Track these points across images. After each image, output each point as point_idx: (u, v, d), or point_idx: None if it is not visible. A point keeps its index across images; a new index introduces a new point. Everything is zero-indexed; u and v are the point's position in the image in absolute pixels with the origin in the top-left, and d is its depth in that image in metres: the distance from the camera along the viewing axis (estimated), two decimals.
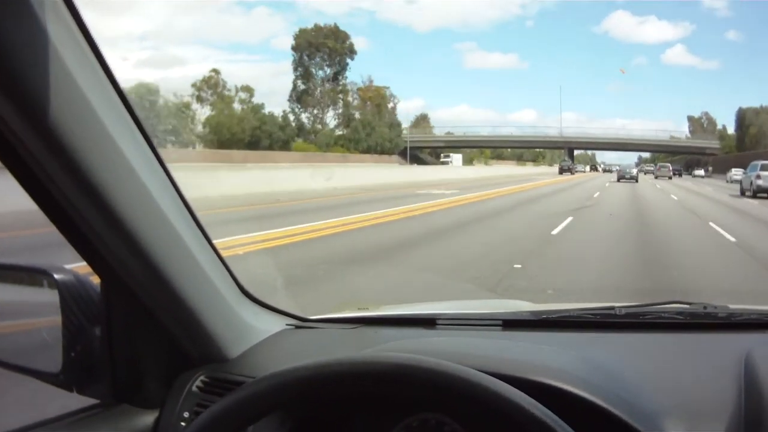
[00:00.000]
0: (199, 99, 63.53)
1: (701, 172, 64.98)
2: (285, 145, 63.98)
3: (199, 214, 1.10)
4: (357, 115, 77.99)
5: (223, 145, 56.79)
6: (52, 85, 0.80)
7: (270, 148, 60.70)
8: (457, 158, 78.54)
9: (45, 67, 0.78)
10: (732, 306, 1.38)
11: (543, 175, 59.21)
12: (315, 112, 76.59)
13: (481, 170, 63.03)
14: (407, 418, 1.08)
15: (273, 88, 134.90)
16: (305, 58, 76.21)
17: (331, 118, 78.13)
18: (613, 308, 1.34)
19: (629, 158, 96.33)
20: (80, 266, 1.09)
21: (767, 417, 0.90)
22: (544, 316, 1.36)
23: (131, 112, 0.94)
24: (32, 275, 1.17)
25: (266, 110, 65.98)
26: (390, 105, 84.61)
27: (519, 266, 7.23)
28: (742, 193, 24.97)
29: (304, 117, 75.97)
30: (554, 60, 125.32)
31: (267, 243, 8.44)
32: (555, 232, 10.92)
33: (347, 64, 78.28)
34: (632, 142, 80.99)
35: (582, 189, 29.25)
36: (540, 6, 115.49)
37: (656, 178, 49.22)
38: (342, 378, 0.84)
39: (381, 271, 7.13)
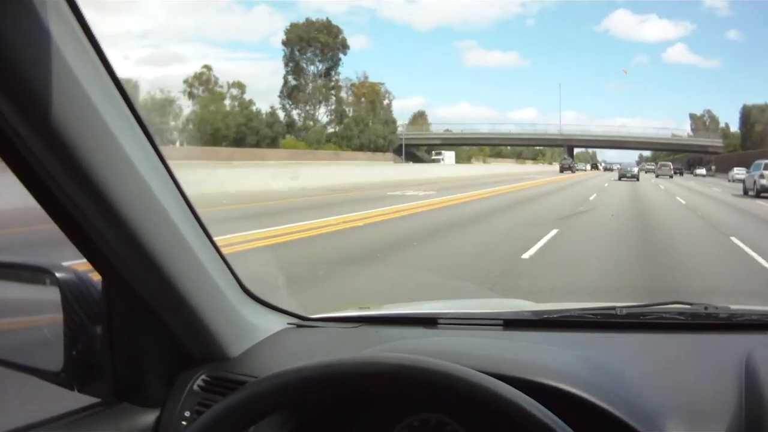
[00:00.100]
0: (191, 95, 62.75)
1: (702, 171, 64.48)
2: (273, 143, 62.55)
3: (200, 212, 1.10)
4: (349, 112, 76.24)
5: (209, 142, 55.36)
6: (54, 83, 0.79)
7: (257, 145, 59.28)
8: (449, 156, 76.06)
9: (46, 64, 0.78)
10: (733, 307, 1.38)
11: (540, 173, 56.91)
12: (307, 108, 74.73)
13: (475, 168, 61.06)
14: (408, 417, 1.09)
15: (272, 85, 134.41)
16: (296, 53, 74.42)
17: (323, 115, 76.41)
18: (614, 308, 1.33)
19: (630, 157, 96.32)
20: (80, 263, 1.08)
21: None
22: (545, 316, 1.36)
23: (132, 110, 0.94)
24: (34, 273, 1.16)
25: (258, 107, 65.30)
26: (385, 101, 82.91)
27: None
28: (745, 193, 24.48)
29: (295, 113, 74.20)
30: (555, 59, 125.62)
31: None
32: (527, 255, 7.97)
33: (340, 59, 76.67)
34: (633, 140, 79.86)
35: (578, 189, 27.30)
36: (540, 4, 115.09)
37: (657, 176, 49.07)
38: (343, 378, 0.85)
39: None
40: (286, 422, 1.05)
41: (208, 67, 64.36)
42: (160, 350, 1.19)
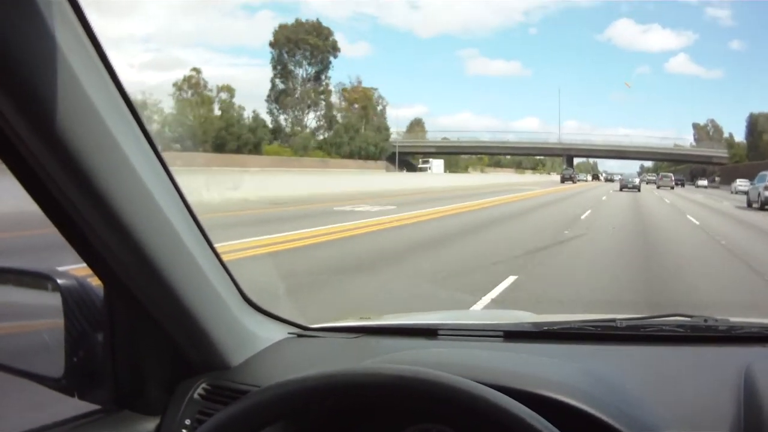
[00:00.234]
0: (180, 99, 60.73)
1: (704, 182, 63.76)
2: (256, 149, 59.60)
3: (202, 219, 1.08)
4: (339, 118, 73.61)
5: (189, 148, 52.91)
6: (57, 86, 0.79)
7: (239, 151, 56.36)
8: (438, 164, 71.81)
9: (50, 67, 0.78)
10: (733, 319, 1.38)
11: (536, 184, 53.44)
12: (295, 113, 72.02)
13: (465, 178, 57.37)
14: (409, 428, 1.08)
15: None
16: (284, 55, 71.79)
17: (312, 120, 73.67)
18: (614, 320, 1.34)
19: (631, 167, 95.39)
20: (82, 269, 1.08)
21: (767, 430, 0.90)
22: (546, 328, 1.36)
23: (135, 116, 0.94)
24: (35, 279, 1.17)
25: (240, 112, 62.89)
26: (379, 108, 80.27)
27: None
28: (749, 205, 23.87)
29: (282, 119, 71.48)
30: (557, 68, 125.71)
31: None
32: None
33: (330, 62, 73.78)
34: (634, 150, 77.68)
35: (571, 203, 23.89)
36: (543, 13, 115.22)
37: (658, 188, 48.84)
38: (345, 389, 0.86)
39: None
40: None
41: (197, 71, 62.07)
42: (161, 358, 1.18)
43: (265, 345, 1.30)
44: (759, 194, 22.78)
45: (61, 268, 1.13)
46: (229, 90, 62.98)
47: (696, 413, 0.99)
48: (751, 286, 7.00)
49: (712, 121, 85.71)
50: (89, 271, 1.06)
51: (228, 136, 56.91)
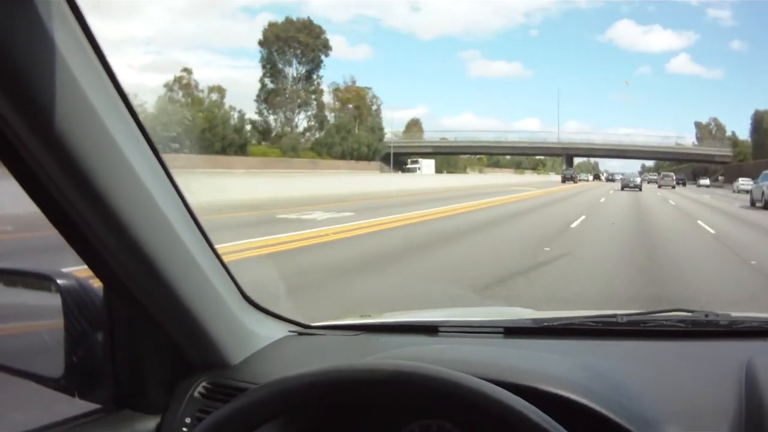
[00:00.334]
0: (171, 100, 59.29)
1: (706, 181, 63.25)
2: (242, 150, 57.50)
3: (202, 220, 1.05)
4: (331, 118, 71.69)
5: (168, 150, 51.14)
6: (56, 87, 0.80)
7: (224, 152, 54.50)
8: (428, 164, 68.81)
9: (48, 69, 0.78)
10: (734, 314, 1.37)
11: (532, 185, 50.69)
12: (286, 113, 70.04)
13: (456, 179, 52.70)
14: (409, 424, 1.08)
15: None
16: (274, 54, 69.69)
17: (303, 121, 71.69)
18: (614, 316, 1.33)
19: (632, 167, 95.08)
20: (81, 269, 1.08)
21: None
22: (546, 324, 1.36)
23: (134, 116, 0.94)
24: (35, 280, 1.17)
25: (224, 112, 60.95)
26: (374, 108, 78.34)
27: None
28: (752, 204, 23.28)
29: (271, 119, 69.46)
30: (558, 69, 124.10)
31: None
32: None
33: (321, 61, 71.69)
34: (635, 149, 75.70)
35: (563, 208, 20.67)
36: (544, 15, 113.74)
37: (659, 187, 48.52)
38: (344, 385, 0.85)
39: None
40: (286, 429, 1.04)
41: (188, 71, 60.46)
42: (161, 357, 1.18)
43: (265, 343, 1.30)
44: (762, 193, 22.35)
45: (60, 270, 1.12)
46: (220, 90, 61.60)
47: (697, 408, 0.99)
48: None
49: (715, 119, 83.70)
50: (89, 272, 1.06)
51: (212, 137, 54.96)
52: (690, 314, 1.35)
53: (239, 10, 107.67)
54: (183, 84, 60.70)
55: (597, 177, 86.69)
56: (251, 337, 1.27)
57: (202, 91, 61.17)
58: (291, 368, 0.90)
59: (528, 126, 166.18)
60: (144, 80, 69.51)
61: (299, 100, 70.27)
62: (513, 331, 1.35)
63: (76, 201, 0.90)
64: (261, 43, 69.35)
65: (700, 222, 14.83)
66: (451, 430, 1.06)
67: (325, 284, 6.45)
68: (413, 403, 0.97)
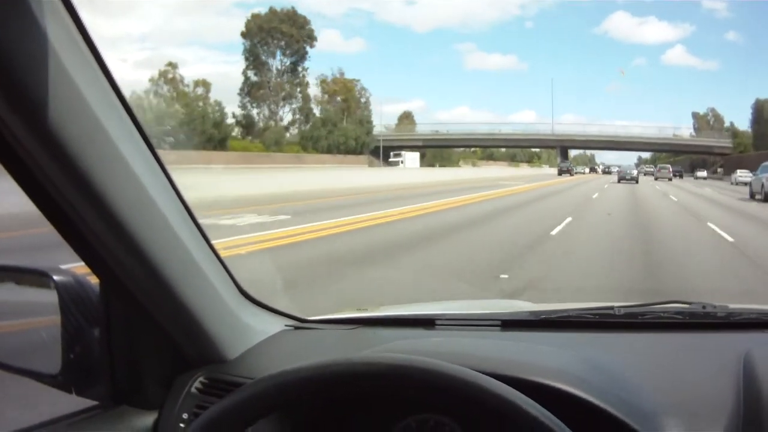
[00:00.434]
0: (156, 94, 57.40)
1: (703, 173, 62.01)
2: (222, 144, 55.27)
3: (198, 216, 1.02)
4: (317, 111, 69.53)
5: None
6: (51, 86, 0.80)
7: (203, 147, 52.45)
8: (412, 157, 66.77)
9: (43, 67, 0.78)
10: (731, 305, 1.37)
11: (521, 179, 47.78)
12: (270, 107, 67.81)
13: (442, 173, 50.18)
14: (406, 418, 1.08)
15: None
16: (257, 45, 67.42)
17: (288, 114, 69.45)
18: (612, 308, 1.33)
19: (629, 159, 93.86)
20: (78, 266, 1.08)
21: (766, 416, 0.90)
22: (543, 317, 1.36)
23: (130, 113, 0.94)
24: (32, 276, 1.17)
25: (203, 105, 59.16)
26: (363, 100, 76.18)
27: None
28: (752, 197, 22.60)
29: (255, 112, 67.17)
30: (553, 61, 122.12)
31: None
32: None
33: (306, 52, 69.38)
34: (631, 140, 73.68)
35: (548, 206, 17.72)
36: (539, 7, 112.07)
37: (656, 179, 48.01)
38: (340, 379, 0.85)
39: None
40: (283, 423, 1.04)
41: (173, 65, 58.70)
42: (158, 353, 1.18)
43: (262, 338, 1.29)
44: (762, 185, 21.72)
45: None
46: (205, 84, 59.97)
47: (695, 400, 0.99)
48: None
49: (713, 109, 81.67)
50: (85, 269, 1.05)
51: (191, 132, 52.79)
52: (687, 306, 1.36)
53: (234, 6, 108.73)
54: (168, 79, 59.16)
55: (593, 170, 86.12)
56: (248, 332, 1.26)
57: (188, 85, 59.77)
58: (288, 362, 0.89)
59: (524, 119, 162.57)
60: (134, 76, 67.64)
61: (284, 93, 68.04)
62: (510, 323, 1.35)
63: (72, 197, 0.90)
64: (243, 35, 67.19)
65: (711, 225, 12.16)
66: (448, 424, 1.05)
67: None
68: (410, 397, 0.95)
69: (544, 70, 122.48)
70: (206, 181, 20.15)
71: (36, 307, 1.18)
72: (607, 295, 5.42)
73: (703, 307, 1.33)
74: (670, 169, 52.39)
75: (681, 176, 56.03)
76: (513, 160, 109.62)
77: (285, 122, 69.02)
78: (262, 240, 9.04)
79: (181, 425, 1.13)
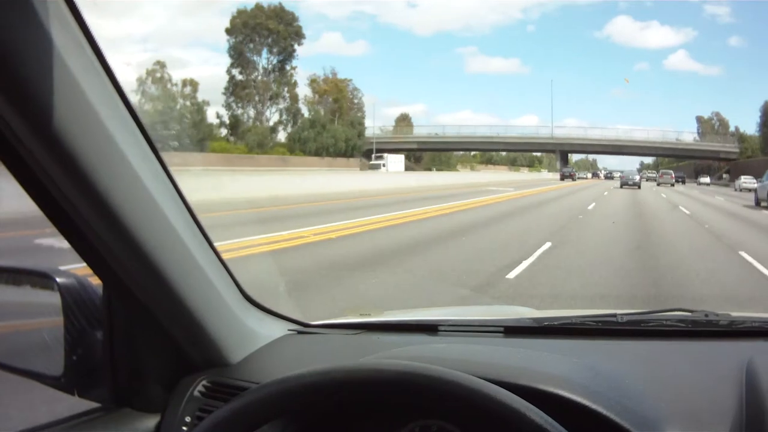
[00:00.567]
0: (144, 93, 57.23)
1: (707, 179, 61.71)
2: (200, 145, 53.14)
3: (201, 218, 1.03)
4: (306, 112, 66.74)
5: None
6: (55, 88, 0.80)
7: (181, 149, 49.94)
8: (396, 160, 62.99)
9: (47, 68, 0.78)
10: (734, 314, 1.37)
11: (515, 185, 44.50)
12: (256, 106, 65.08)
13: (428, 177, 46.51)
14: (409, 424, 1.08)
15: None
16: (242, 43, 64.89)
17: (275, 114, 66.70)
18: (614, 315, 1.32)
19: (631, 164, 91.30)
20: (81, 268, 1.07)
21: None
22: (546, 323, 1.35)
23: (134, 116, 0.94)
24: (35, 278, 1.16)
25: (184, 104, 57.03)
26: (355, 101, 73.43)
27: None
28: (757, 204, 21.93)
29: (239, 113, 64.55)
30: (556, 65, 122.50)
31: None
32: None
33: (294, 50, 66.81)
34: (633, 144, 71.11)
35: (532, 222, 14.27)
36: (541, 11, 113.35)
37: (658, 185, 47.96)
38: (344, 385, 0.85)
39: None
40: (286, 428, 1.04)
41: (161, 64, 58.13)
42: (161, 355, 1.17)
43: (265, 342, 1.29)
44: None
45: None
46: (193, 84, 59.46)
47: (697, 408, 0.99)
48: None
49: (717, 114, 79.48)
50: (88, 270, 1.05)
51: (165, 132, 50.13)
52: (690, 314, 1.35)
53: (236, 7, 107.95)
54: (156, 78, 58.43)
55: (595, 175, 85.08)
56: (251, 336, 1.26)
57: (176, 84, 59.09)
58: (291, 367, 0.90)
59: (526, 122, 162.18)
60: (123, 77, 67.88)
61: (270, 93, 65.35)
62: (513, 330, 1.34)
63: (75, 199, 0.90)
64: (228, 31, 64.59)
65: (743, 254, 8.91)
66: (451, 431, 1.05)
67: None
68: (413, 403, 0.96)
69: (547, 74, 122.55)
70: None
71: (39, 309, 1.18)
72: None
73: (706, 315, 1.32)
74: (672, 175, 52.89)
75: (683, 182, 55.48)
76: (513, 164, 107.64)
77: (272, 123, 66.43)
78: None
79: (184, 428, 1.12)
